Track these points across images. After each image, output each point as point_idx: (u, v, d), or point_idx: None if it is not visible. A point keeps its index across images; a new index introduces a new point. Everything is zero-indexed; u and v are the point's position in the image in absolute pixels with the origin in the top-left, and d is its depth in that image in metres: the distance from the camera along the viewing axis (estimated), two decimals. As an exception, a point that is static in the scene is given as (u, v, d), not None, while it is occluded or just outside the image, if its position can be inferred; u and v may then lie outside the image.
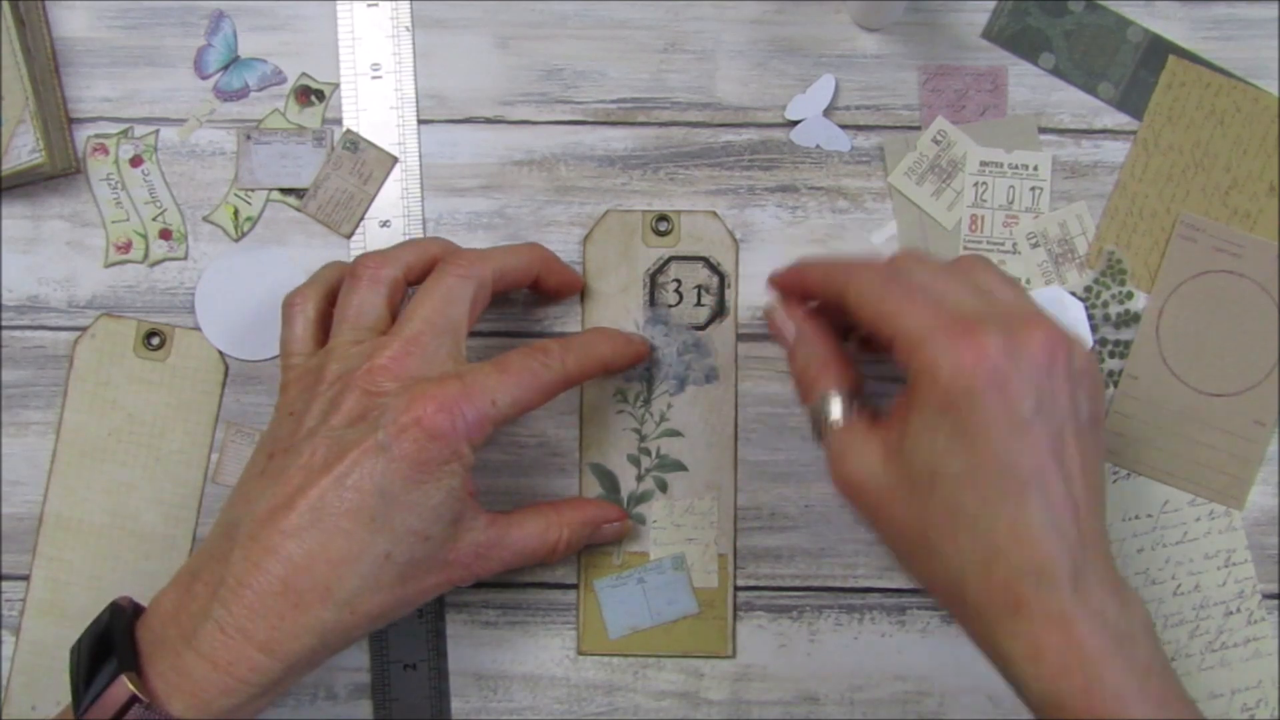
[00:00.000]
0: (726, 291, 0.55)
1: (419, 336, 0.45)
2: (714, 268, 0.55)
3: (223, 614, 0.42)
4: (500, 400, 0.45)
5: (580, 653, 0.54)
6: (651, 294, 0.54)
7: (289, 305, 0.49)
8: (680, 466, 0.54)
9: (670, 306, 0.54)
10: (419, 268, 0.49)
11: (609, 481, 0.54)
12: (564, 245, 0.55)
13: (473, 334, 0.54)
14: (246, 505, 0.44)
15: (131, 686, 0.41)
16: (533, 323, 0.55)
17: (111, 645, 0.42)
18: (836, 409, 0.45)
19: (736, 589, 0.54)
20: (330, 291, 0.49)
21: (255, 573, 0.42)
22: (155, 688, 0.41)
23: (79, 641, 0.44)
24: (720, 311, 0.54)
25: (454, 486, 0.44)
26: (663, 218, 0.55)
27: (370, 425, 0.43)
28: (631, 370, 0.54)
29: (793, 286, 0.49)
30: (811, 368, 0.47)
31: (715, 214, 0.55)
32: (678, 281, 0.55)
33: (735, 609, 0.54)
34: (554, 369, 0.46)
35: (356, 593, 0.43)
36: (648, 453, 0.54)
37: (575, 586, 0.54)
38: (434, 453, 0.43)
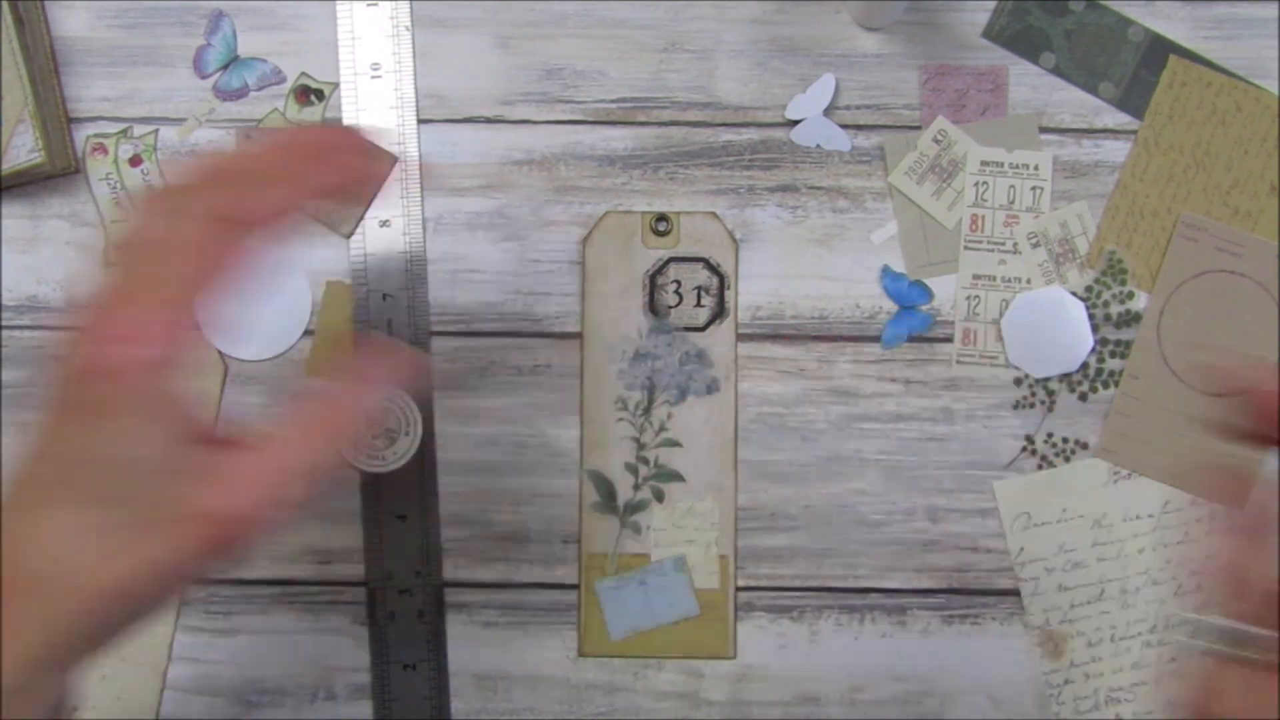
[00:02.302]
0: (726, 293, 0.54)
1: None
2: (714, 269, 0.54)
3: None
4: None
5: (581, 654, 0.54)
6: (651, 295, 0.54)
7: None
8: (678, 477, 0.54)
9: (670, 307, 0.54)
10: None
11: (605, 489, 0.54)
12: (564, 245, 0.55)
13: (472, 334, 0.54)
14: None
15: None
16: (531, 323, 0.55)
17: None
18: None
19: (737, 590, 0.54)
20: None
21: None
22: None
23: None
24: (720, 313, 0.54)
25: (146, 429, 0.36)
26: (662, 218, 0.54)
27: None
28: (633, 379, 0.54)
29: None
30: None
31: (715, 215, 0.55)
32: (677, 283, 0.54)
33: (736, 610, 0.54)
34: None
35: (74, 569, 0.35)
36: (645, 461, 0.54)
37: (576, 587, 0.54)
38: (106, 393, 0.36)
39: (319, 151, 0.39)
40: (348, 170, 0.40)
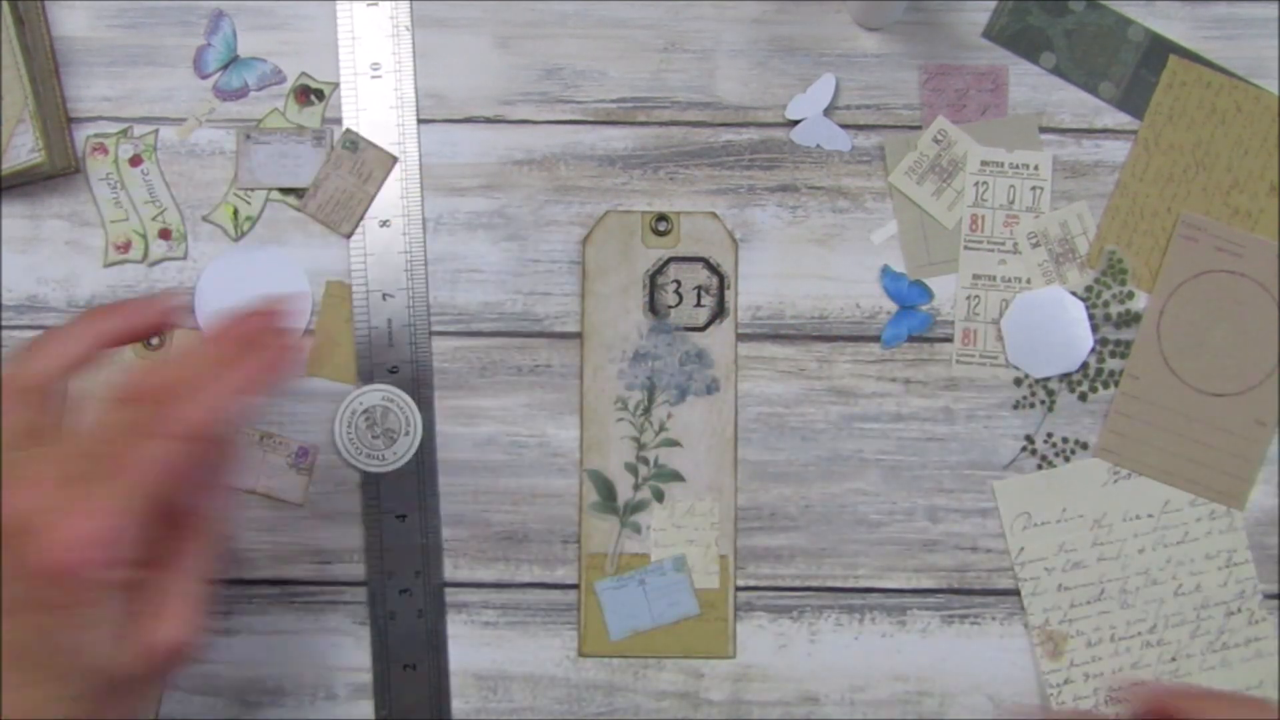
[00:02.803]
0: (726, 292, 0.54)
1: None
2: (714, 268, 0.54)
3: None
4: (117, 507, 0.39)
5: (581, 654, 0.54)
6: (651, 295, 0.54)
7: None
8: (678, 477, 0.54)
9: (670, 307, 0.54)
10: (75, 370, 0.44)
11: (606, 489, 0.54)
12: (564, 245, 0.55)
13: (472, 334, 0.54)
14: None
15: None
16: (531, 323, 0.55)
17: None
18: None
19: (737, 590, 0.54)
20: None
21: None
22: None
23: None
24: (720, 312, 0.54)
25: (94, 618, 0.39)
26: (662, 218, 0.54)
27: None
28: (633, 379, 0.54)
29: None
30: None
31: (715, 214, 0.55)
32: (677, 282, 0.54)
33: (736, 610, 0.54)
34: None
35: None
36: (645, 461, 0.54)
37: (575, 587, 0.54)
38: (61, 593, 0.39)
39: (238, 352, 0.42)
40: (266, 367, 0.42)
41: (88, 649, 0.39)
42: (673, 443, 0.54)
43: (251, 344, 0.42)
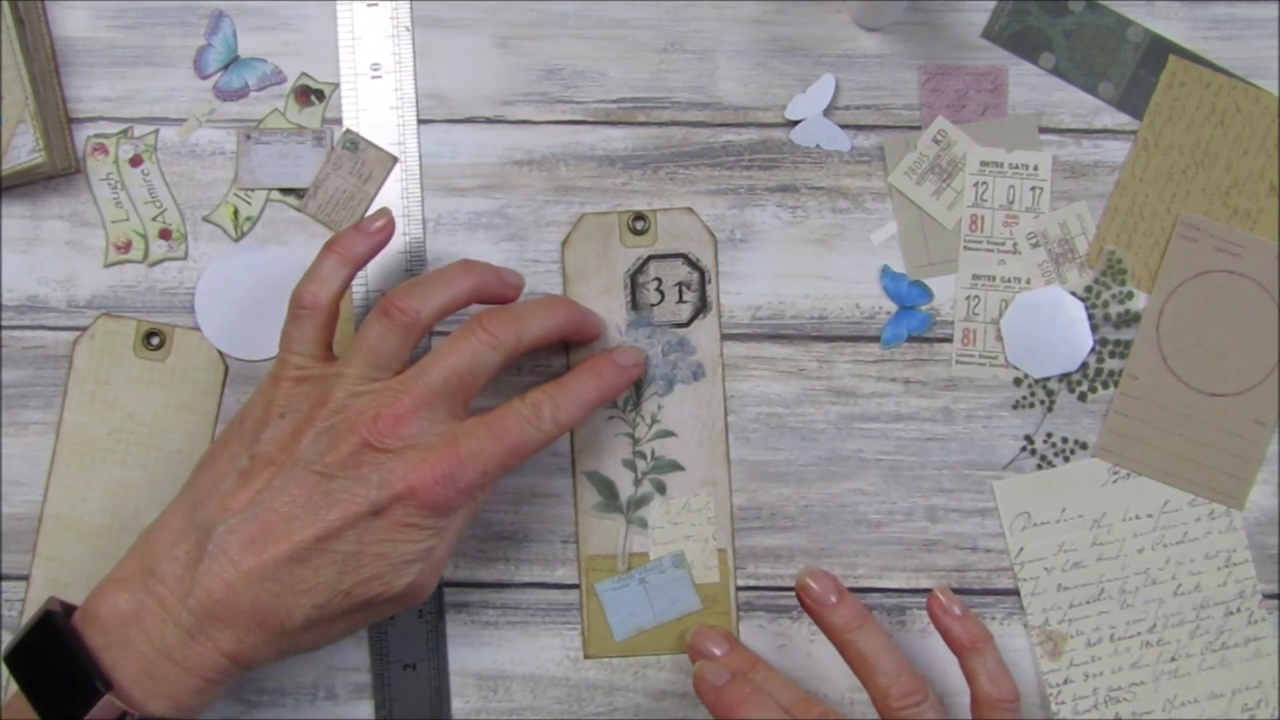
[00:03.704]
0: (708, 287, 0.54)
1: (432, 397, 0.46)
2: (693, 264, 0.54)
3: (192, 623, 0.44)
4: (491, 470, 0.45)
5: (587, 656, 0.54)
6: (633, 294, 0.54)
7: (301, 306, 0.48)
8: (677, 466, 0.54)
9: (652, 305, 0.54)
10: (451, 310, 0.48)
11: (607, 489, 0.54)
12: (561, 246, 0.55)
13: (473, 334, 0.54)
14: (221, 512, 0.44)
15: (121, 704, 0.43)
16: (533, 323, 0.55)
17: (67, 659, 0.43)
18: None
19: (738, 589, 0.54)
20: (340, 296, 0.49)
21: (227, 593, 0.44)
22: (132, 694, 0.43)
23: (13, 652, 0.44)
24: (703, 307, 0.54)
25: (429, 548, 0.46)
26: (639, 217, 0.54)
27: (362, 480, 0.44)
28: None
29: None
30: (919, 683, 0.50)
31: (691, 210, 0.55)
32: (658, 280, 0.54)
33: (737, 603, 0.54)
34: (545, 430, 0.47)
35: (311, 621, 0.45)
36: (643, 456, 0.54)
37: (576, 587, 0.54)
38: (420, 521, 0.45)
39: (606, 379, 0.51)
40: (633, 380, 0.53)
41: (389, 563, 0.45)
42: (667, 433, 0.54)
43: (611, 378, 0.50)
